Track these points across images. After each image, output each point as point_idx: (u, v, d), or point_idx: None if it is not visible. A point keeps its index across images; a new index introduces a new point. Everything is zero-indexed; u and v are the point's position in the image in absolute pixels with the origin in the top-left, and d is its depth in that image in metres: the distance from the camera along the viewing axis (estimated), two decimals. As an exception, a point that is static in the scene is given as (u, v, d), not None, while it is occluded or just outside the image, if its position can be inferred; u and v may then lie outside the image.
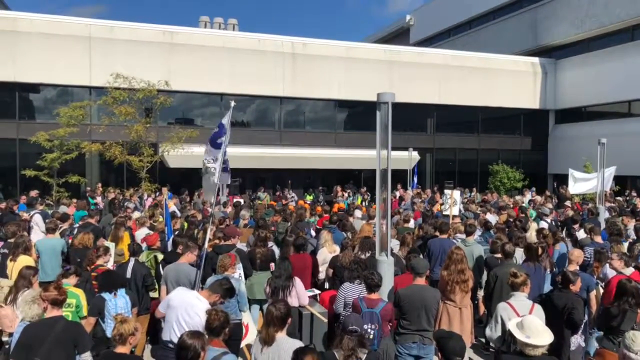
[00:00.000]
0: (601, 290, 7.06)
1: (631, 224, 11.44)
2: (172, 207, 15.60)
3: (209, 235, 7.42)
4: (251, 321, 6.84)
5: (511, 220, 12.20)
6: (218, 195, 9.94)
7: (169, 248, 8.61)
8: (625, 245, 8.92)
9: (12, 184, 21.70)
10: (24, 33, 21.07)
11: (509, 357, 4.53)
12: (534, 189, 23.67)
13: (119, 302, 6.04)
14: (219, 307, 5.03)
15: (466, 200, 17.73)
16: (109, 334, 5.88)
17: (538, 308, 5.47)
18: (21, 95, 22.40)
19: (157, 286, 7.55)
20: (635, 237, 10.26)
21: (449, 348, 4.03)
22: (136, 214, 12.90)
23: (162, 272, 7.16)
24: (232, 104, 7.45)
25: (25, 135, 20.00)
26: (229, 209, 14.41)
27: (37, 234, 10.85)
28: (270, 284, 6.56)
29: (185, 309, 5.15)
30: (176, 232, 10.08)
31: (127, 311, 6.05)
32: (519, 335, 4.22)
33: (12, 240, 8.16)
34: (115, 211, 13.46)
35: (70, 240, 9.56)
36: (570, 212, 13.85)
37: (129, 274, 7.04)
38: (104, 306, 6.02)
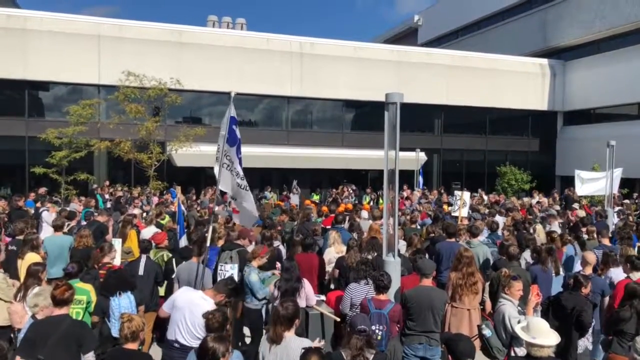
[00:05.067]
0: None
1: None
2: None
3: (212, 234, 7.28)
4: None
5: (519, 222, 12.09)
6: (224, 194, 9.86)
7: (181, 245, 8.51)
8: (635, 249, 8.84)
9: (21, 181, 21.85)
10: (34, 31, 21.19)
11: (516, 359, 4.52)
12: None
13: (122, 302, 6.04)
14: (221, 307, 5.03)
15: (474, 201, 17.63)
16: (114, 332, 5.89)
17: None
18: (30, 93, 22.53)
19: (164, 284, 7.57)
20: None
21: (459, 350, 4.02)
22: (137, 211, 12.95)
23: (174, 268, 7.15)
24: (232, 94, 6.82)
25: (34, 133, 20.10)
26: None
27: (46, 232, 10.91)
28: (280, 286, 6.31)
29: (190, 309, 5.16)
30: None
31: (132, 310, 6.05)
32: (525, 336, 4.22)
33: (20, 237, 8.20)
34: (122, 209, 13.51)
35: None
36: (582, 213, 13.75)
37: (141, 271, 7.06)
38: (108, 305, 6.03)
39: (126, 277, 6.37)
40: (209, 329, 4.54)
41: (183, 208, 15.06)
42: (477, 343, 6.76)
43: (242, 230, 8.60)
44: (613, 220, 13.51)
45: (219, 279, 6.87)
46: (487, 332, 5.29)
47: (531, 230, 10.73)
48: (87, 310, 5.95)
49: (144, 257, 7.29)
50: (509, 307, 5.64)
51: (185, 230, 10.46)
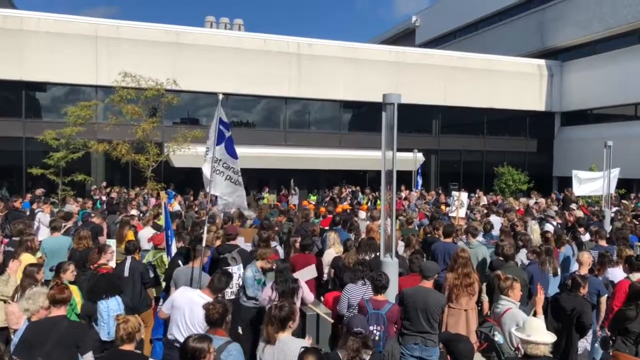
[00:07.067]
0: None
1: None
2: (176, 206, 15.64)
3: (206, 235, 7.18)
4: None
5: (514, 222, 12.05)
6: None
7: (173, 250, 8.27)
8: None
9: (18, 182, 21.81)
10: (31, 32, 21.15)
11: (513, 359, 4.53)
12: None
13: (111, 305, 6.00)
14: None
15: (472, 202, 17.66)
16: (103, 336, 5.84)
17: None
18: (27, 93, 22.50)
19: (161, 284, 7.53)
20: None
21: (459, 351, 4.03)
22: (134, 212, 12.92)
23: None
24: (220, 96, 6.83)
25: (32, 134, 20.07)
26: (232, 210, 14.37)
27: (42, 233, 10.87)
28: (277, 288, 6.16)
29: (190, 307, 5.18)
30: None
31: (121, 313, 6.01)
32: (520, 335, 4.28)
33: (17, 238, 8.17)
34: (120, 210, 13.50)
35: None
36: (580, 214, 13.75)
37: (126, 273, 6.99)
38: (95, 309, 5.99)
39: (113, 281, 6.30)
40: (209, 320, 4.54)
41: (180, 208, 15.08)
42: (476, 342, 6.76)
43: (229, 229, 8.53)
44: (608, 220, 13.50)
45: None
46: (499, 338, 5.19)
47: (528, 230, 10.74)
48: (73, 312, 5.91)
49: (129, 259, 7.21)
50: (516, 310, 5.58)
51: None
